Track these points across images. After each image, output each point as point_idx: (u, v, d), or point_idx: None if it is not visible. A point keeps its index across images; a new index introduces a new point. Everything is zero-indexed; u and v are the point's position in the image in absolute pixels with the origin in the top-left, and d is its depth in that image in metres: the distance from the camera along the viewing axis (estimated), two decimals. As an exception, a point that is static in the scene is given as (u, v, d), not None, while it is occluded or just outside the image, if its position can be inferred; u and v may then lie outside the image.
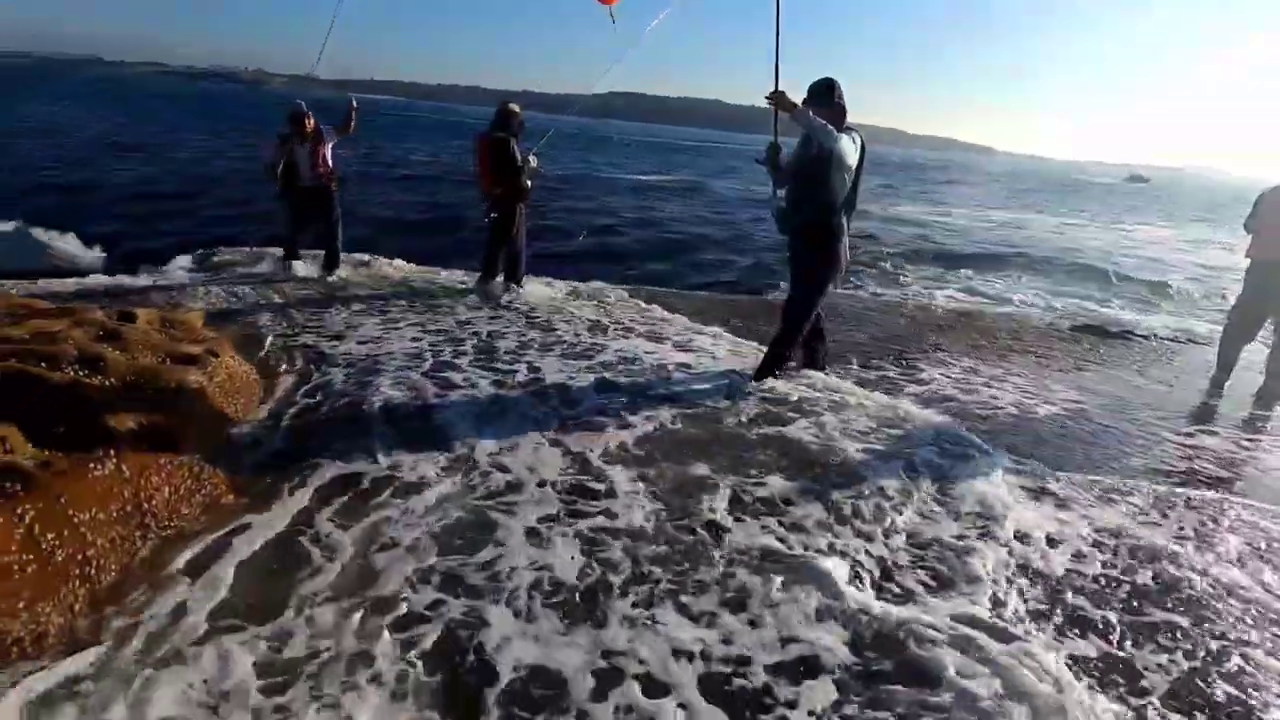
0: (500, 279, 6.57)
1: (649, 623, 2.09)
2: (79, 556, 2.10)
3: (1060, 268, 12.63)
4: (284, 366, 4.05)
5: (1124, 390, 5.08)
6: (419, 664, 1.88)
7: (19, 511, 2.04)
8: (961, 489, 3.06)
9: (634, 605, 2.17)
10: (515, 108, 6.27)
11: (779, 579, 2.33)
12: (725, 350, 5.04)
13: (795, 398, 4.01)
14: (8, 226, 9.35)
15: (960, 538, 2.67)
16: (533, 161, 6.33)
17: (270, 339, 4.54)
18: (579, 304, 6.30)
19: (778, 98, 3.72)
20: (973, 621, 2.17)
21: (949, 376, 4.94)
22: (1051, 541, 2.71)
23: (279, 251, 7.04)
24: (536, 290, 6.57)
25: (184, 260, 7.22)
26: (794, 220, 4.10)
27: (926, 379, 4.84)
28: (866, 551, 2.54)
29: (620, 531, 2.56)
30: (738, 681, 1.90)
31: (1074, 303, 9.25)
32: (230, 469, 2.75)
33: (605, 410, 3.68)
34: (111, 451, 2.40)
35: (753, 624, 2.12)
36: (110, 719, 1.65)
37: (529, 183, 6.30)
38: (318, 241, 6.89)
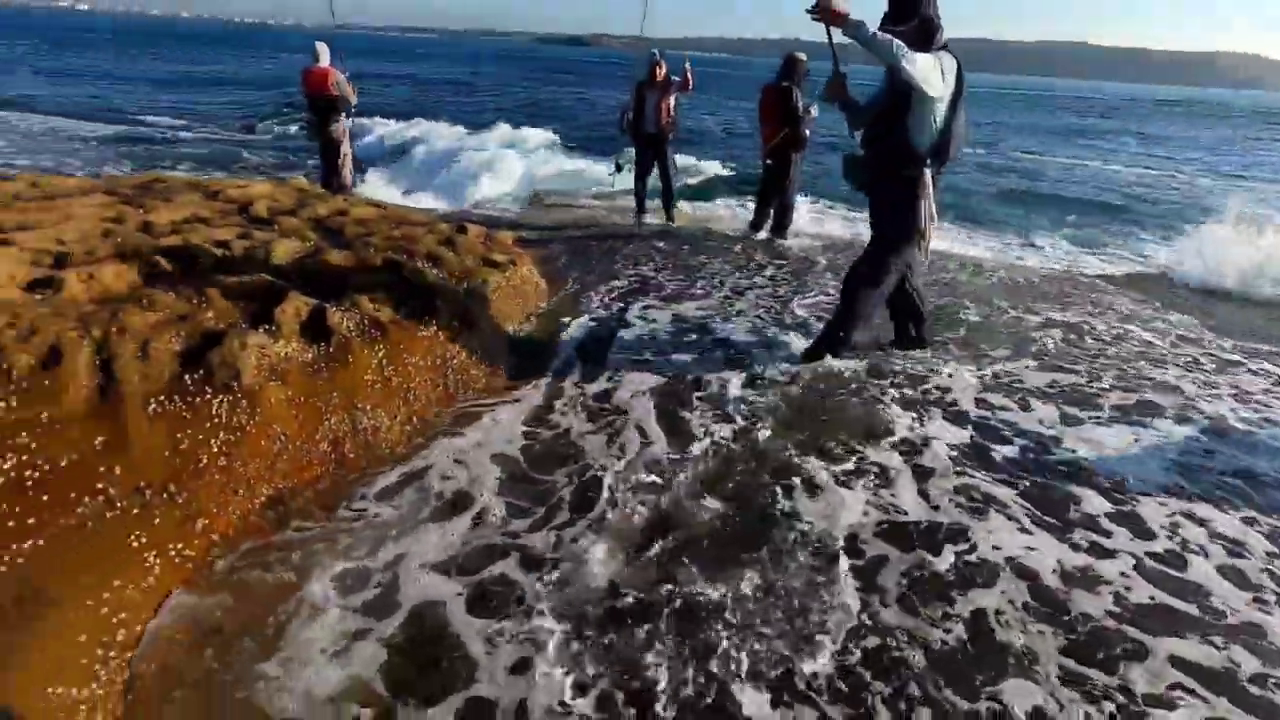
0: (767, 227, 6.84)
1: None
2: (406, 386, 3.03)
3: None
4: (571, 283, 4.93)
5: None
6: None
7: (377, 349, 3.02)
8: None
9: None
10: (801, 56, 6.32)
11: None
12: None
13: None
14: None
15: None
16: (814, 111, 6.36)
17: (564, 259, 5.49)
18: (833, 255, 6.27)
19: (822, 6, 2.89)
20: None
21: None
22: None
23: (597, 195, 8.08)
24: (800, 242, 6.68)
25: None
26: (860, 173, 3.39)
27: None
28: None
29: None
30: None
31: None
32: (509, 350, 3.59)
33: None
34: (433, 322, 3.33)
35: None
36: (430, 486, 2.48)
37: (807, 133, 6.36)
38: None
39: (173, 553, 2.09)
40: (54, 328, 2.57)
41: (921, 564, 2.24)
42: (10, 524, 2.00)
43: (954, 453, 2.89)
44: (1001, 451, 2.92)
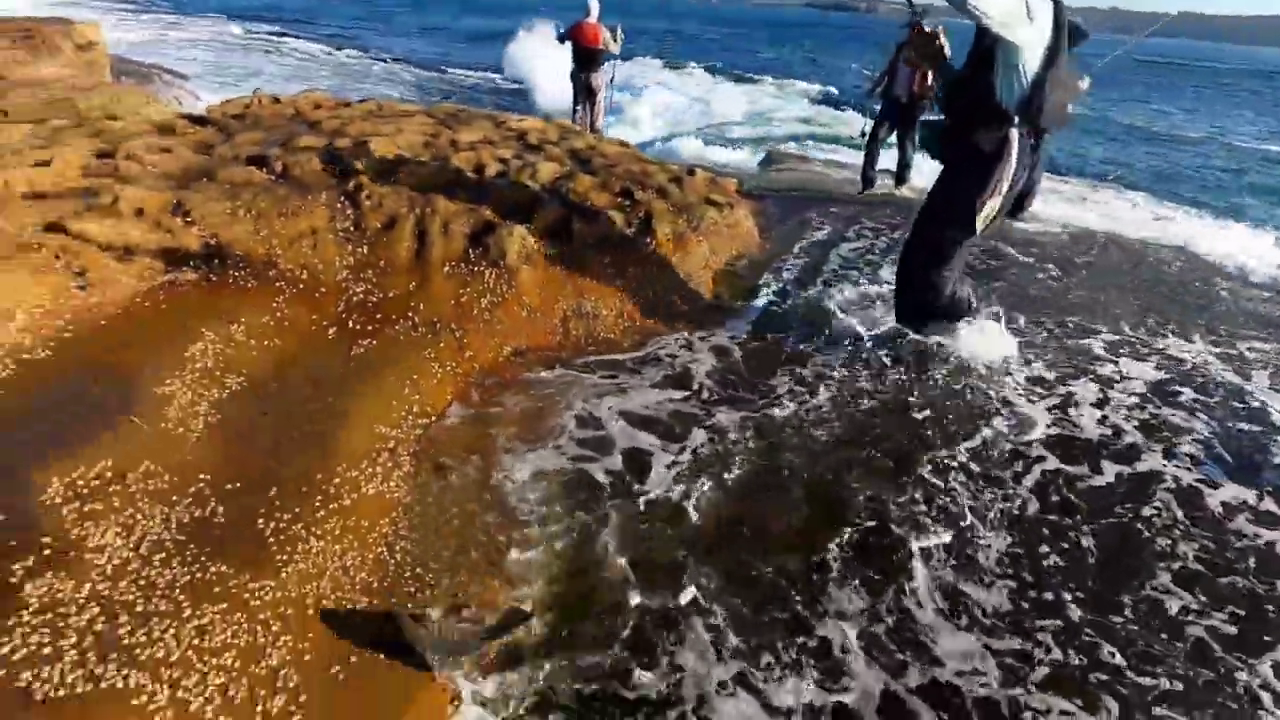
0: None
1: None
2: (624, 288, 3.63)
3: None
4: (775, 232, 5.24)
5: None
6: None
7: (603, 255, 3.64)
8: None
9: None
10: None
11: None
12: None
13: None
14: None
15: None
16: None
17: (780, 213, 5.79)
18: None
19: None
20: None
21: None
22: None
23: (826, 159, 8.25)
24: (1034, 226, 6.22)
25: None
26: (935, 141, 2.96)
27: None
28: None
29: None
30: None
31: None
32: (713, 278, 4.05)
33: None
34: (652, 240, 3.88)
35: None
36: (654, 357, 3.07)
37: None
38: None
39: (450, 367, 2.89)
40: (391, 203, 3.54)
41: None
42: (360, 327, 2.93)
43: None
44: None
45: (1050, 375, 3.22)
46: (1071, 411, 2.95)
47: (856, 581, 2.07)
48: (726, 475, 2.45)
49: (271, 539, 1.88)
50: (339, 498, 2.09)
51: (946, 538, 2.24)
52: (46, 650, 1.40)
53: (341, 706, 1.52)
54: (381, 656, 1.66)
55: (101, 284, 2.74)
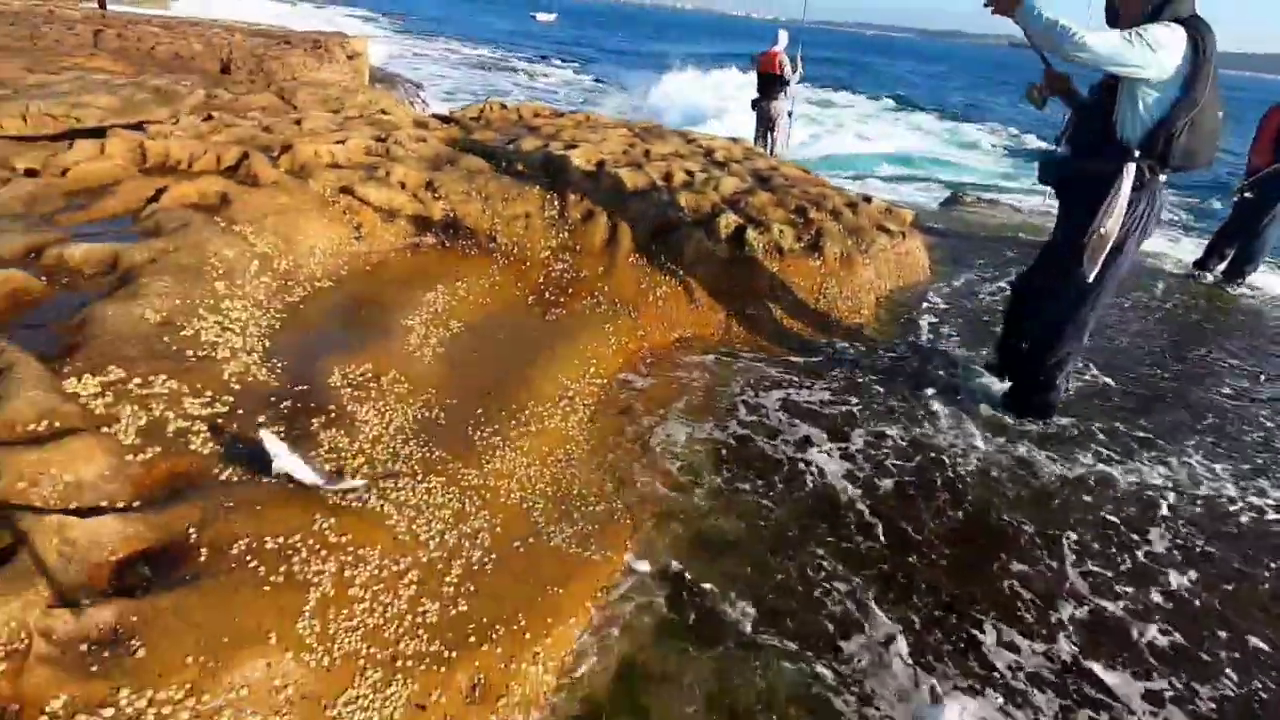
0: (1218, 270, 5.86)
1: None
2: (788, 296, 3.88)
3: None
4: (947, 267, 5.21)
5: None
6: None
7: (773, 263, 3.91)
8: None
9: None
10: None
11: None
12: None
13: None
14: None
15: None
16: (1340, 139, 5.19)
17: (955, 250, 5.72)
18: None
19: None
20: None
21: None
22: None
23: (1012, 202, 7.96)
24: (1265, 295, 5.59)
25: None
26: (1052, 169, 2.85)
27: None
28: None
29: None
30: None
31: None
32: (875, 302, 4.17)
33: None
34: (820, 258, 4.09)
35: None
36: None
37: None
38: None
39: (624, 342, 3.31)
40: (591, 199, 4.06)
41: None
42: (554, 298, 3.44)
43: None
44: None
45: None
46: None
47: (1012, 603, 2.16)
48: (880, 478, 2.62)
49: (478, 441, 2.35)
50: (528, 424, 2.54)
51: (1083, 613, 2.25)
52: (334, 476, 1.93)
53: (520, 566, 1.92)
54: (551, 542, 2.05)
55: (370, 236, 3.47)
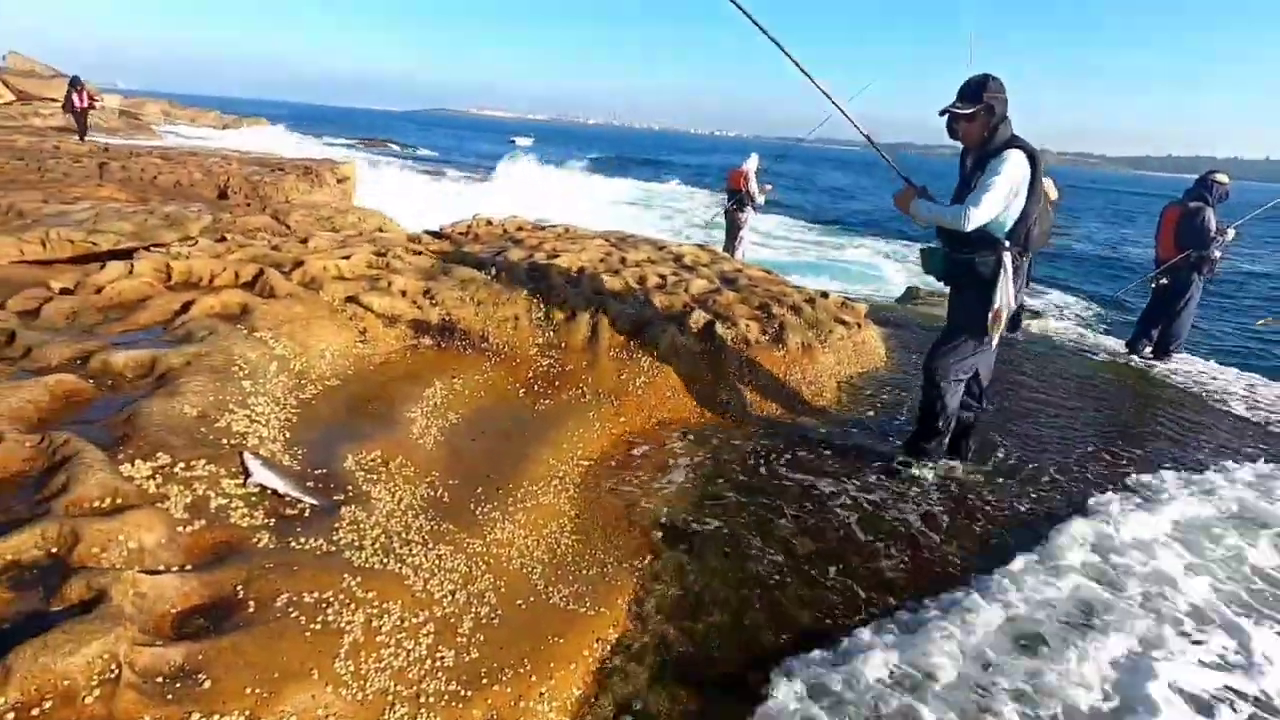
0: (1146, 350, 6.46)
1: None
2: (757, 384, 4.26)
3: None
4: (900, 356, 5.69)
5: None
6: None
7: (742, 355, 4.33)
8: None
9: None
10: (1221, 177, 5.99)
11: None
12: None
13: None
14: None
15: None
16: (1230, 234, 5.95)
17: (900, 338, 6.24)
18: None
19: (898, 203, 3.32)
20: None
21: None
22: None
23: None
24: (1185, 366, 6.15)
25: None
26: (938, 262, 3.33)
27: None
28: None
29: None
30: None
31: None
32: (837, 386, 4.57)
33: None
34: (784, 348, 4.52)
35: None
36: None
37: (1217, 254, 5.96)
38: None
39: (607, 427, 3.63)
40: (573, 302, 4.50)
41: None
42: (542, 390, 3.78)
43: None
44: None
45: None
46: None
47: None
48: (828, 537, 2.91)
49: (480, 516, 2.61)
50: (523, 501, 2.81)
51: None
52: (355, 544, 2.17)
53: (523, 620, 2.14)
54: (550, 600, 2.28)
55: (374, 340, 3.82)
